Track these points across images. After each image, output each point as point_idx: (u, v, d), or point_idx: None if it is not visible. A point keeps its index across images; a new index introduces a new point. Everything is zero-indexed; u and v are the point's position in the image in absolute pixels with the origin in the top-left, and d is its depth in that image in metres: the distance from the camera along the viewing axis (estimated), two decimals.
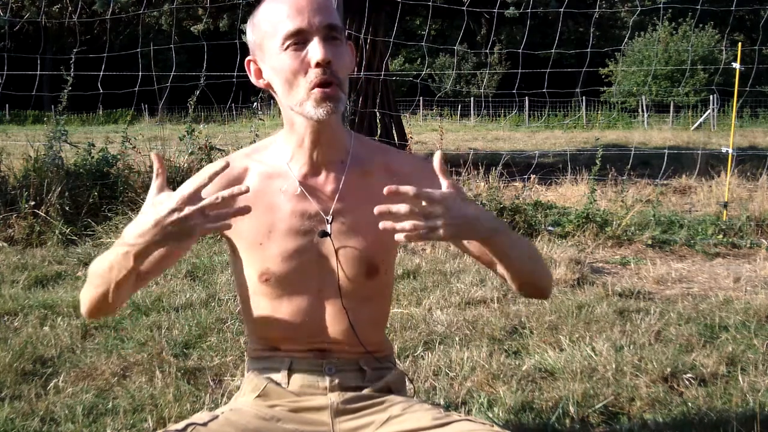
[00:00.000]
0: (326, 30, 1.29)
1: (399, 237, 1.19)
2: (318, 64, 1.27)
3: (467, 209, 1.23)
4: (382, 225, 1.19)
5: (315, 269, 1.41)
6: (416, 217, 1.18)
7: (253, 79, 1.40)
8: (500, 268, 1.39)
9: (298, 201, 1.39)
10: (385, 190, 1.17)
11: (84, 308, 1.38)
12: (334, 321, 1.42)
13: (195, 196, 1.19)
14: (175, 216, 1.19)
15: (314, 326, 1.42)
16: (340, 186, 1.40)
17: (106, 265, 1.30)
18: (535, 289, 1.46)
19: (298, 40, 1.28)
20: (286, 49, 1.29)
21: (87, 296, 1.36)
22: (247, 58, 1.39)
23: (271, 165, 1.42)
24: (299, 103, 1.31)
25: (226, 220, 1.21)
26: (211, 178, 1.20)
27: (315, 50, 1.27)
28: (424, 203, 1.19)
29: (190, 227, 1.19)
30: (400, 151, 1.52)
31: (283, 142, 1.42)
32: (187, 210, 1.18)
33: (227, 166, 1.22)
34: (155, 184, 1.22)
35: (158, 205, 1.20)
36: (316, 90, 1.28)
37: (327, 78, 1.28)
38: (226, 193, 1.18)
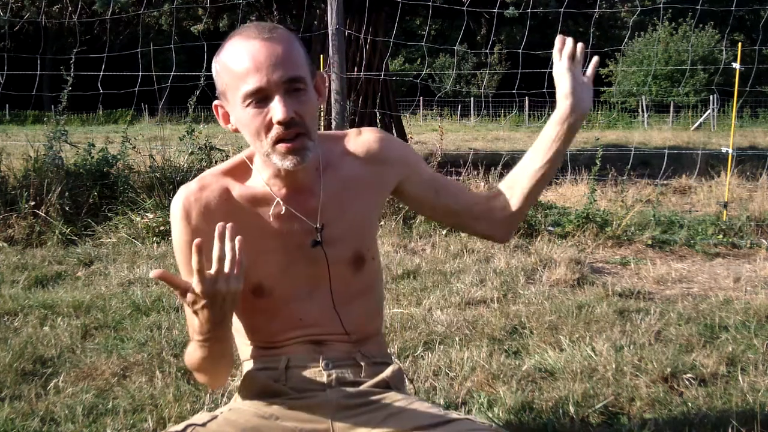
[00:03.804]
0: (287, 84, 1.28)
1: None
2: (279, 122, 1.28)
3: None
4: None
5: (305, 279, 1.43)
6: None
7: (221, 123, 1.41)
8: (536, 170, 1.53)
9: (285, 220, 1.41)
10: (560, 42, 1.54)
11: (207, 385, 1.52)
12: (325, 320, 1.45)
13: (203, 273, 1.19)
14: (218, 300, 1.21)
15: (307, 325, 1.45)
16: (321, 194, 1.42)
17: (198, 360, 1.36)
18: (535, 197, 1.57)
19: (259, 98, 1.29)
20: (247, 106, 1.30)
21: (202, 380, 1.45)
22: (214, 103, 1.40)
23: (252, 188, 1.42)
24: (265, 154, 1.33)
25: (241, 256, 1.23)
26: (198, 249, 1.18)
27: (277, 110, 1.28)
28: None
29: (231, 293, 1.22)
30: (350, 132, 1.51)
31: (260, 167, 1.42)
32: (209, 285, 1.20)
33: (200, 244, 1.18)
34: (177, 294, 1.25)
35: (194, 305, 1.23)
36: (281, 145, 1.31)
37: (290, 133, 1.29)
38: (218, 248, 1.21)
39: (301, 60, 1.32)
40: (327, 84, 1.45)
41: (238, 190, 1.42)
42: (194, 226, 1.39)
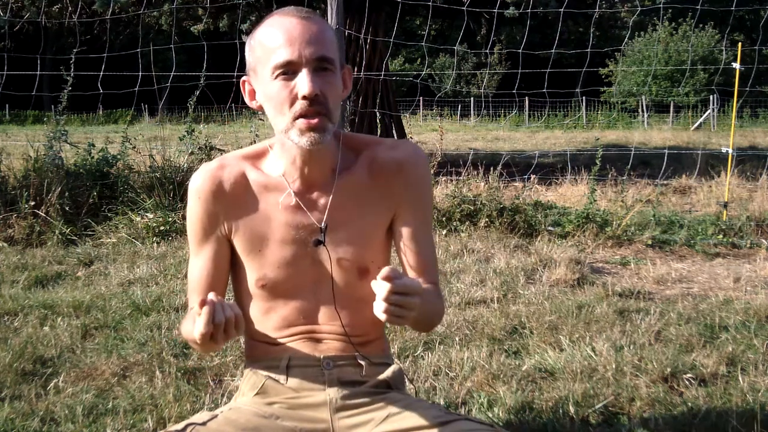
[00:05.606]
0: (316, 62, 1.30)
1: (377, 314, 1.20)
2: (304, 97, 1.29)
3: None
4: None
5: (310, 275, 1.44)
6: (391, 301, 1.18)
7: (247, 99, 1.42)
8: None
9: (293, 212, 1.42)
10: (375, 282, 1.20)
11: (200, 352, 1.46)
12: (328, 322, 1.45)
13: (206, 328, 1.19)
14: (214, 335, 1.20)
15: (308, 322, 1.45)
16: (331, 195, 1.42)
17: (191, 342, 1.37)
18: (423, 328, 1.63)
19: (288, 70, 1.30)
20: (276, 78, 1.31)
21: (198, 349, 1.49)
22: (243, 78, 1.42)
23: (268, 176, 1.44)
24: (285, 130, 1.33)
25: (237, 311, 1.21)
26: (209, 314, 1.19)
27: (303, 83, 1.29)
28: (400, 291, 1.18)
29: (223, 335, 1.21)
30: (387, 141, 1.49)
31: (277, 155, 1.44)
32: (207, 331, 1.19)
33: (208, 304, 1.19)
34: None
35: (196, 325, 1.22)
36: (301, 120, 1.31)
37: (313, 110, 1.30)
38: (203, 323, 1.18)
39: (333, 45, 1.35)
40: (352, 78, 1.45)
41: (254, 175, 1.44)
42: (205, 204, 1.44)
